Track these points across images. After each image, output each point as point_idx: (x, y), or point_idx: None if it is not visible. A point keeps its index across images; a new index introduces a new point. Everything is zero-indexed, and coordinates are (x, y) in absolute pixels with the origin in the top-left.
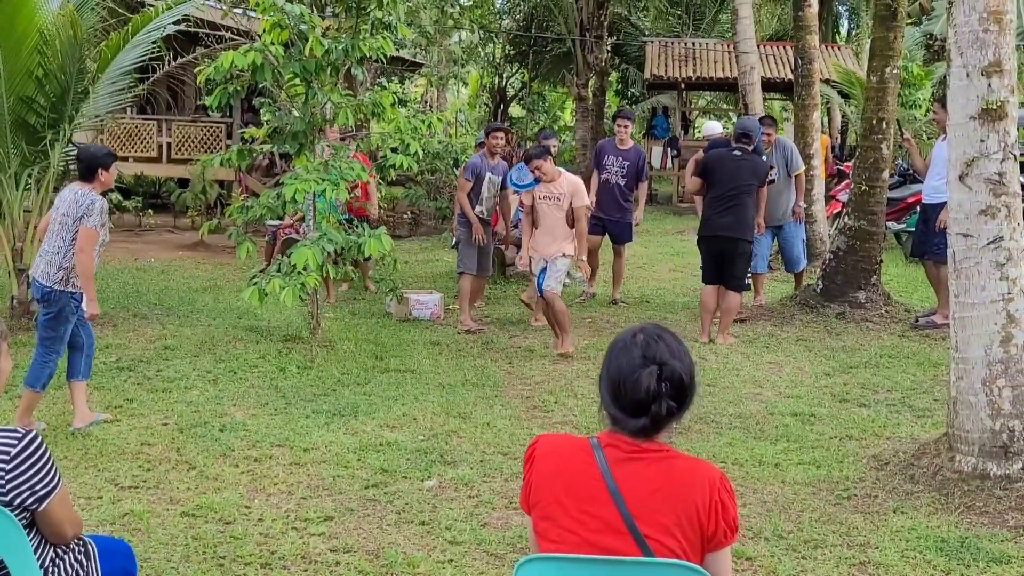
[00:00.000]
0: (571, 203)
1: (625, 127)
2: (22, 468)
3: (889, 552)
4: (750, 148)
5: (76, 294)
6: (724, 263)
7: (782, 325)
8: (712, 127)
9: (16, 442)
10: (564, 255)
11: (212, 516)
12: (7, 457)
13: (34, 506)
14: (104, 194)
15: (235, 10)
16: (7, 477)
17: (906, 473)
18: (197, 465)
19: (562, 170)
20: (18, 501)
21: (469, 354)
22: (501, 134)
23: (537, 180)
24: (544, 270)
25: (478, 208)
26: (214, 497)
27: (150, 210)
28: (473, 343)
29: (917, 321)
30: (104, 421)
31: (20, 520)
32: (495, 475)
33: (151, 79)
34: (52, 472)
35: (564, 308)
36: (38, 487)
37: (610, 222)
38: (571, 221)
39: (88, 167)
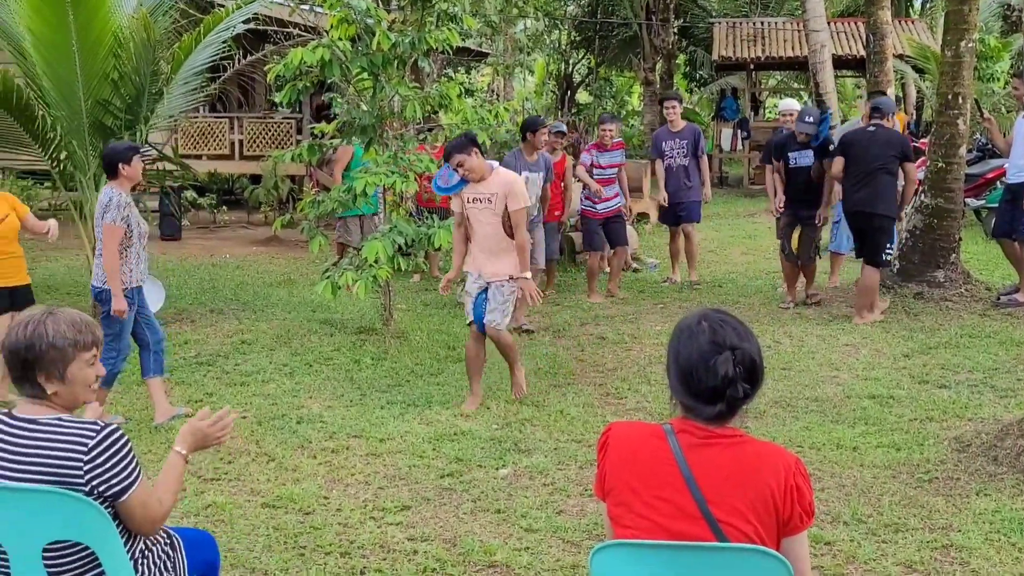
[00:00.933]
0: (506, 206)
1: (674, 108)
2: (100, 460)
3: (972, 535)
4: (884, 123)
5: (125, 292)
6: (863, 237)
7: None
8: (790, 104)
9: (94, 434)
10: (510, 279)
11: (292, 507)
12: (85, 448)
13: (112, 497)
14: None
15: (302, 7)
16: (85, 468)
17: (989, 455)
18: (276, 457)
19: (495, 165)
20: (99, 490)
21: (541, 342)
22: (546, 130)
23: (464, 180)
24: (484, 293)
25: None
26: (293, 488)
27: (224, 207)
28: (544, 331)
29: (999, 299)
30: (185, 415)
31: (107, 508)
32: (569, 463)
33: (222, 78)
34: (132, 465)
35: (512, 342)
36: (117, 479)
37: (680, 205)
38: (509, 229)
39: (109, 163)
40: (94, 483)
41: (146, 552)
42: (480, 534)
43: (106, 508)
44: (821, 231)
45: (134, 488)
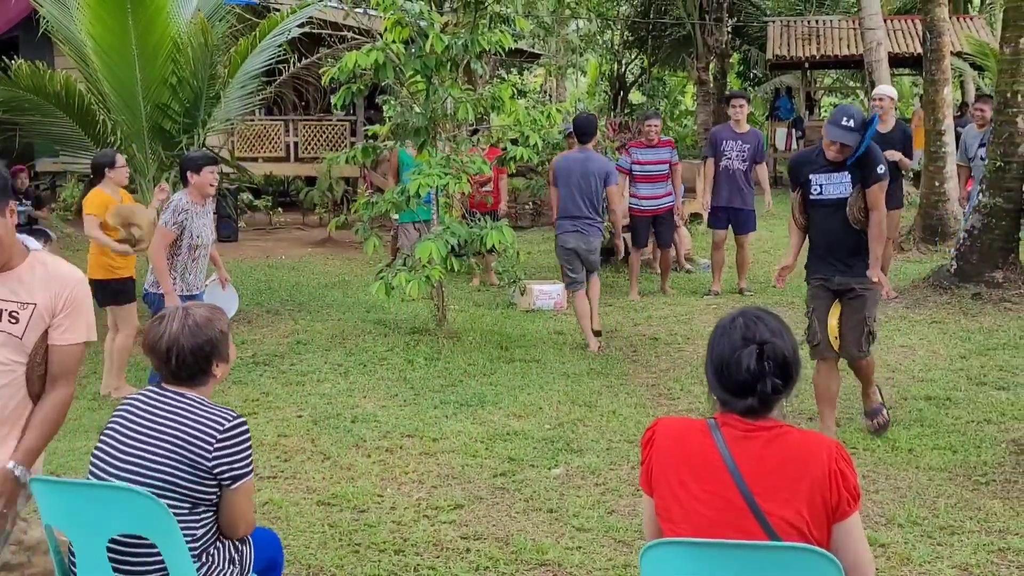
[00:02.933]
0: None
1: (741, 107)
2: (229, 443)
3: None
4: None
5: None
6: None
7: (915, 307)
8: (885, 89)
9: (229, 420)
10: None
11: (347, 505)
12: (220, 428)
13: (228, 482)
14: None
15: (356, 10)
16: (216, 446)
17: None
18: (331, 455)
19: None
20: (217, 471)
21: None
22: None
23: None
24: None
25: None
26: (348, 486)
27: (279, 208)
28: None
29: None
30: None
31: (212, 496)
32: (621, 463)
33: (278, 81)
34: (250, 457)
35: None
36: (238, 465)
37: (733, 211)
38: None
39: (181, 171)
40: (218, 462)
41: (218, 544)
42: (532, 533)
43: (216, 496)
44: (876, 308)
45: (248, 478)
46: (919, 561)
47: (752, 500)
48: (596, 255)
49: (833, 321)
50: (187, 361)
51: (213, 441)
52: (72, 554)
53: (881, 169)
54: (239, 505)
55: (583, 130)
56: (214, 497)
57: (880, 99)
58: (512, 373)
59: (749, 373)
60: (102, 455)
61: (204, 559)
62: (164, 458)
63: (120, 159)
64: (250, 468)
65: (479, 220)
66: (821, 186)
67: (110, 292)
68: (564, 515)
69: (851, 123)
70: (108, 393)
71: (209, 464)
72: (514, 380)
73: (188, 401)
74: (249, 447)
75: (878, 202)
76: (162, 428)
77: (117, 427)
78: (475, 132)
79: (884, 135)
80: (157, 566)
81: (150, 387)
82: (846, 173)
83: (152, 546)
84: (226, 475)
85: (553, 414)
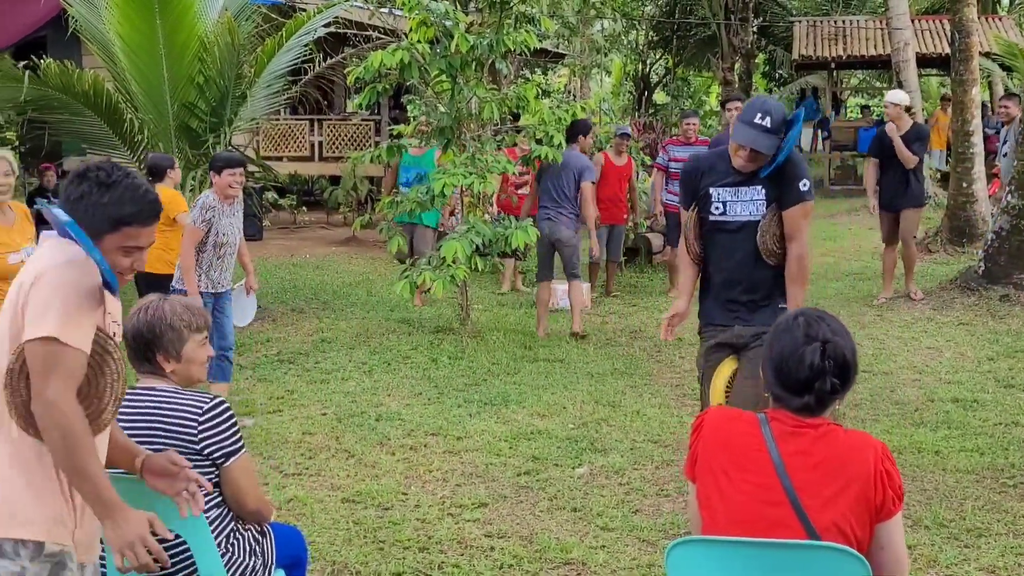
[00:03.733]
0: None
1: (737, 109)
2: (212, 423)
3: None
4: None
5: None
6: None
7: (941, 309)
8: (896, 95)
9: (207, 402)
10: None
11: (371, 502)
12: (199, 411)
13: (222, 460)
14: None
15: (382, 10)
16: (200, 428)
17: None
18: (355, 453)
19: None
20: (207, 451)
21: (617, 343)
22: (592, 134)
23: None
24: None
25: None
26: (372, 484)
27: (304, 207)
28: (621, 332)
29: None
30: (242, 427)
31: (209, 476)
32: (645, 463)
33: (303, 81)
34: (237, 434)
35: None
36: (227, 443)
37: None
38: None
39: (208, 171)
40: (206, 443)
41: (237, 536)
42: (556, 532)
43: (212, 472)
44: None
45: (240, 455)
46: (946, 563)
47: (794, 495)
48: (571, 249)
49: (720, 383)
50: (128, 343)
51: (196, 424)
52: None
53: (805, 185)
54: (239, 481)
55: (569, 132)
56: (213, 476)
57: (885, 106)
58: (536, 372)
59: (811, 370)
60: None
61: (225, 549)
62: (154, 448)
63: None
64: (240, 444)
65: (504, 220)
66: (725, 203)
67: (163, 287)
68: (588, 514)
69: (767, 122)
70: None
71: (198, 447)
72: (538, 379)
73: (160, 392)
74: (234, 424)
75: (798, 229)
76: (142, 424)
77: None
78: (518, 131)
79: (901, 137)
80: (184, 558)
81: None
82: (759, 188)
83: (176, 536)
84: (217, 453)
85: (577, 413)
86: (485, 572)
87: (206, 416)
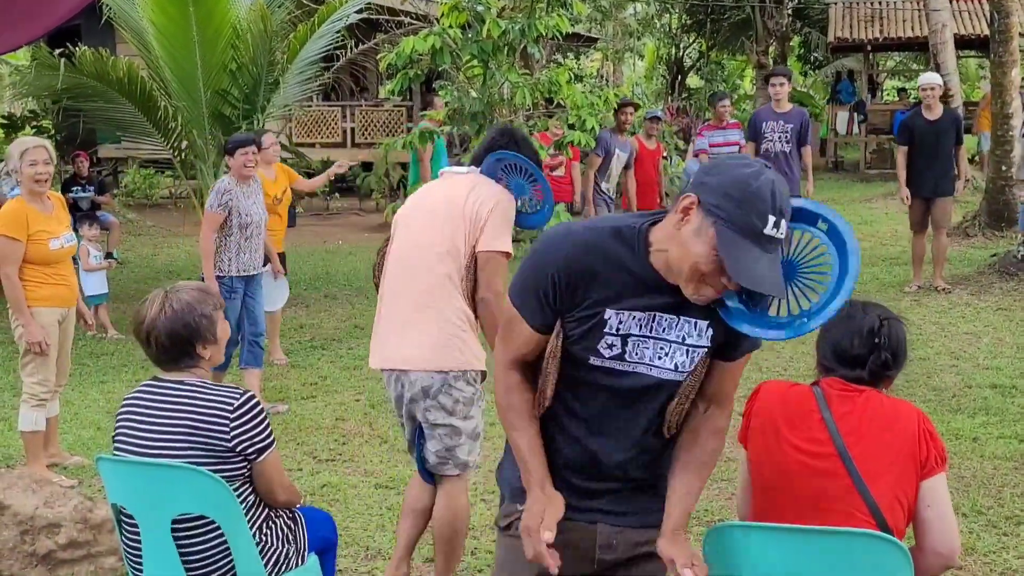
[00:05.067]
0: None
1: (782, 85)
2: (244, 419)
3: None
4: None
5: (223, 279)
6: None
7: (980, 294)
8: (930, 77)
9: (239, 396)
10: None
11: (403, 487)
12: (231, 407)
13: (254, 456)
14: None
15: None
16: (231, 424)
17: None
18: (388, 439)
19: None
20: (240, 448)
21: None
22: (631, 109)
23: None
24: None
25: (604, 185)
26: (405, 470)
27: (336, 194)
28: None
29: None
30: (276, 412)
31: (242, 471)
32: None
33: (335, 67)
34: (269, 428)
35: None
36: (259, 438)
37: None
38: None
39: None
40: (238, 439)
41: (270, 523)
42: None
43: (245, 468)
44: None
45: (272, 449)
46: (984, 551)
47: (843, 448)
48: None
49: None
50: (165, 345)
51: (228, 421)
52: (135, 533)
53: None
54: (270, 475)
55: None
56: (245, 471)
57: (932, 87)
58: None
59: (869, 341)
60: (124, 447)
61: (258, 537)
62: (183, 447)
63: (266, 139)
64: (271, 439)
65: None
66: (625, 339)
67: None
68: None
69: (782, 230)
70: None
71: (230, 444)
72: None
73: (190, 387)
74: (265, 419)
75: (727, 394)
76: (173, 418)
77: (128, 425)
78: (550, 116)
79: (933, 122)
80: (219, 547)
81: (147, 381)
82: (704, 324)
83: (212, 525)
84: (250, 450)
85: None
86: None
87: (238, 413)
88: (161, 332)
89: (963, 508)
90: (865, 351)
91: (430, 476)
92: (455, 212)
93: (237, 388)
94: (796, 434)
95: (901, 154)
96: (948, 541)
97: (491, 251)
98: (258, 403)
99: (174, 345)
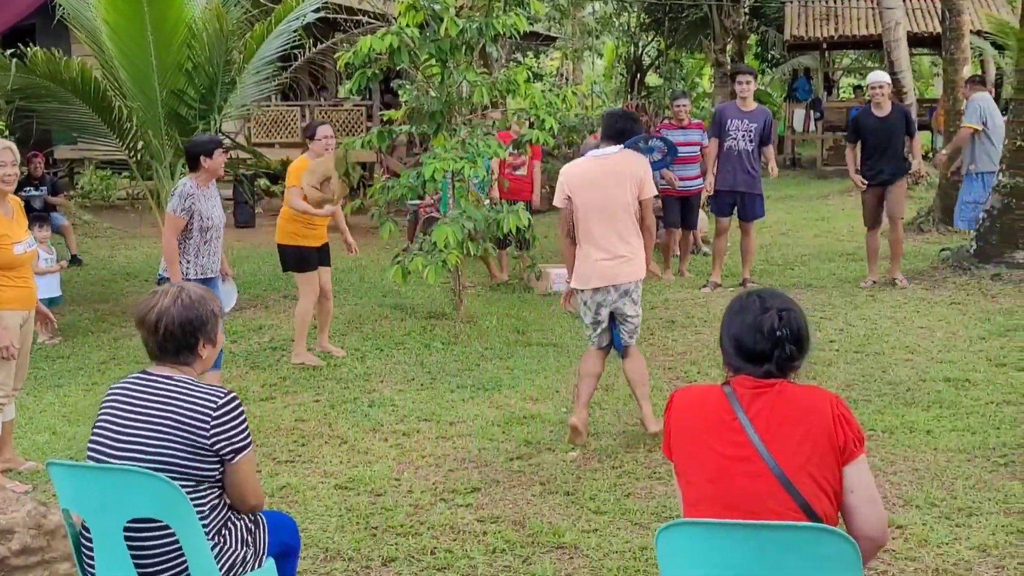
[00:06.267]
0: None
1: (748, 83)
2: (225, 419)
3: None
4: None
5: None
6: None
7: (933, 289)
8: (877, 76)
9: (222, 396)
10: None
11: (363, 488)
12: (214, 407)
13: (229, 456)
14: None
15: None
16: (212, 424)
17: None
18: (348, 440)
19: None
20: (217, 448)
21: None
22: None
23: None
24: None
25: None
26: (365, 470)
27: None
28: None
29: None
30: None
31: (214, 472)
32: (637, 446)
33: (293, 67)
34: (247, 432)
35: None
36: (237, 439)
37: (738, 195)
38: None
39: (190, 155)
40: (217, 439)
41: (229, 526)
42: (549, 516)
43: (218, 472)
44: None
45: (248, 451)
46: (937, 542)
47: (763, 448)
48: None
49: None
50: (175, 334)
51: (209, 419)
52: (88, 539)
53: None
54: (243, 477)
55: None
56: (216, 474)
57: (880, 86)
58: (529, 357)
59: (770, 338)
60: (100, 441)
61: (217, 540)
62: (162, 440)
63: (321, 131)
64: (249, 440)
65: (498, 205)
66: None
67: (295, 258)
68: (580, 498)
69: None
70: (301, 362)
71: (208, 442)
72: (531, 364)
73: (177, 382)
74: (244, 420)
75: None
76: (156, 411)
77: (111, 414)
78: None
79: (883, 119)
80: (173, 549)
81: (136, 373)
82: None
83: (166, 528)
84: (227, 450)
85: (570, 397)
86: (477, 557)
87: (219, 412)
88: (174, 319)
89: (917, 500)
90: (769, 346)
91: (618, 348)
92: (625, 175)
93: (222, 388)
94: (715, 438)
95: (851, 150)
96: (876, 523)
97: (648, 198)
98: (240, 404)
99: (184, 335)
